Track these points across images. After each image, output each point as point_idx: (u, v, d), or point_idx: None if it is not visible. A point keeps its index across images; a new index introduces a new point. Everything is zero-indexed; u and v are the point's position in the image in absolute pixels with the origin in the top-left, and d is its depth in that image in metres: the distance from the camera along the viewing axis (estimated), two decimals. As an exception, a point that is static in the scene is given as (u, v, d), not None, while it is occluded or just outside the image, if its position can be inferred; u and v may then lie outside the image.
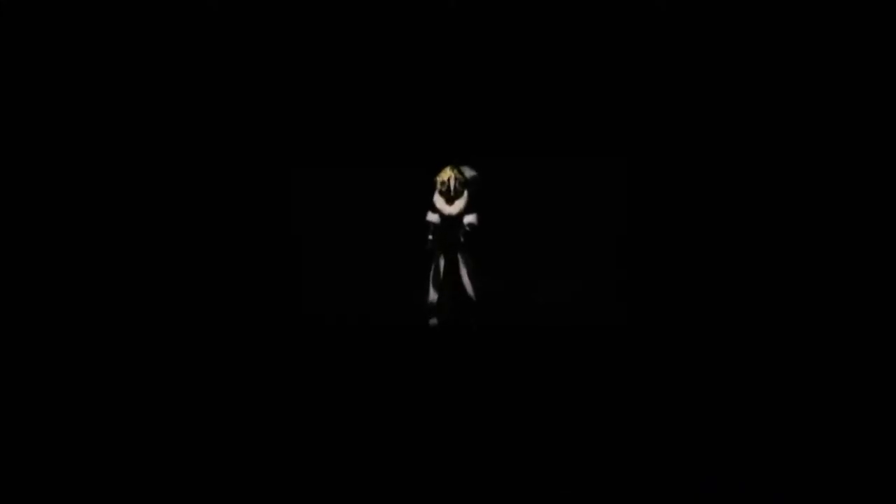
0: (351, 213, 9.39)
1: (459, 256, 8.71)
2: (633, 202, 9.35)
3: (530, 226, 9.55)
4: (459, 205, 8.56)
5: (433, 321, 8.83)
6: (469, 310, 8.75)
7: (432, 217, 8.64)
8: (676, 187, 9.30)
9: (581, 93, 9.31)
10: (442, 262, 8.72)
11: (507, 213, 9.21)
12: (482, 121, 9.50)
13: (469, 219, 8.58)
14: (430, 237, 8.67)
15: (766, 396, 7.02)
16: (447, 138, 9.34)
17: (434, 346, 8.50)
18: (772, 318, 8.33)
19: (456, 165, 8.70)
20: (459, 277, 8.69)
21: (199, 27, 8.90)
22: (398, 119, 9.49)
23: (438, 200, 8.59)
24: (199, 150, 9.15)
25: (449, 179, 8.62)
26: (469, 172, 8.77)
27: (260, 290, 8.83)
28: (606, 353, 8.03)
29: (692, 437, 6.40)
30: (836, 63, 8.98)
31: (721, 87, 9.14)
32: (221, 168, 9.17)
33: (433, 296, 8.77)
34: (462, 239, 8.66)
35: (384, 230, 9.35)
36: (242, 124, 9.18)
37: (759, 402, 6.92)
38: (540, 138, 9.44)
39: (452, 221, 8.62)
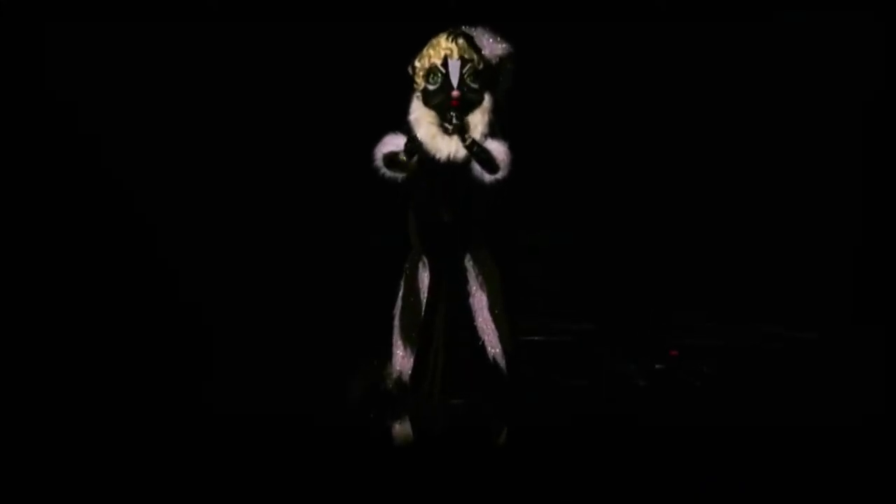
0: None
1: (470, 262, 5.39)
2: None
3: (647, 179, 7.10)
4: (472, 127, 5.19)
5: (401, 427, 5.46)
6: (493, 394, 5.40)
7: (396, 144, 5.31)
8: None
9: None
10: (426, 279, 5.47)
11: (590, 145, 6.98)
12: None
13: (495, 153, 5.15)
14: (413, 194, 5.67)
15: None
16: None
17: (402, 483, 4.80)
18: None
19: (461, 32, 5.43)
20: (470, 314, 5.33)
21: None
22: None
23: (422, 118, 5.26)
24: None
25: (446, 61, 5.31)
26: (492, 46, 5.46)
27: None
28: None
29: None
30: None
31: None
32: None
33: (401, 362, 5.49)
34: (475, 214, 5.33)
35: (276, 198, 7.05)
36: None
37: None
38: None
39: (452, 172, 5.21)
